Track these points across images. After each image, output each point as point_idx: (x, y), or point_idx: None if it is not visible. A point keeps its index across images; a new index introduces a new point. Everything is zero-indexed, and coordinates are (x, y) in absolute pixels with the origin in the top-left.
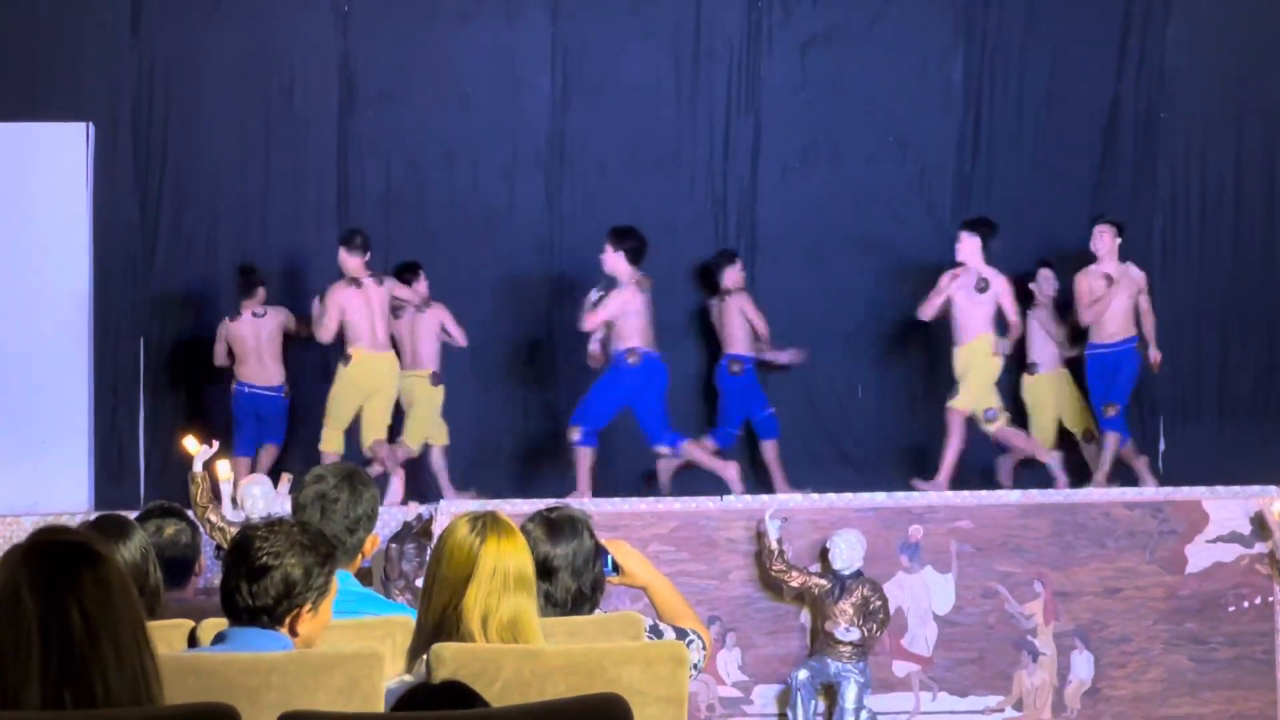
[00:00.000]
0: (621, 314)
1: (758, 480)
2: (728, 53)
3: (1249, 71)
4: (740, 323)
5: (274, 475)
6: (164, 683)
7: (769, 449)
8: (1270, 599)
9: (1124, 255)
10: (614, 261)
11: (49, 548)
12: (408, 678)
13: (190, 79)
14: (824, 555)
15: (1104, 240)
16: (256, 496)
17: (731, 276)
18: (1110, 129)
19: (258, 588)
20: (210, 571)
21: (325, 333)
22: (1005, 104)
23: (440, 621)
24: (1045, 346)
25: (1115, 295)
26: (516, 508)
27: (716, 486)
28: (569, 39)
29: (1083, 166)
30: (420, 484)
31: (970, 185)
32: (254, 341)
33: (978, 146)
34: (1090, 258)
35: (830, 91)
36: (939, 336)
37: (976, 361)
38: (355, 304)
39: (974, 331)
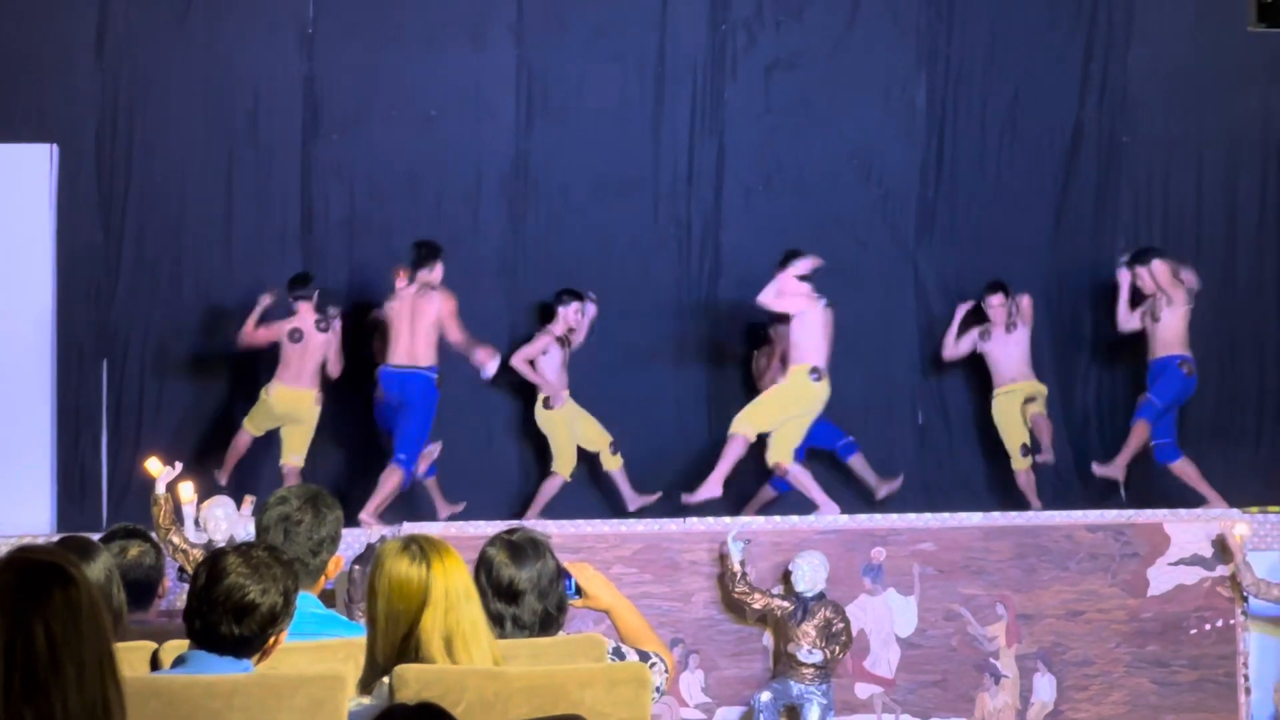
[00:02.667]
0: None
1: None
2: (692, 77)
3: (1210, 96)
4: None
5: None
6: (126, 708)
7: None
8: (1232, 622)
9: (1088, 280)
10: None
11: (22, 565)
12: (367, 700)
13: (154, 102)
14: (786, 577)
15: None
16: (219, 518)
17: None
18: (1073, 154)
19: (244, 624)
20: (173, 593)
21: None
22: (968, 129)
23: (400, 654)
24: (1007, 368)
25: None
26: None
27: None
28: (533, 63)
29: (1045, 191)
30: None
31: (933, 210)
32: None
33: (941, 171)
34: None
35: (794, 116)
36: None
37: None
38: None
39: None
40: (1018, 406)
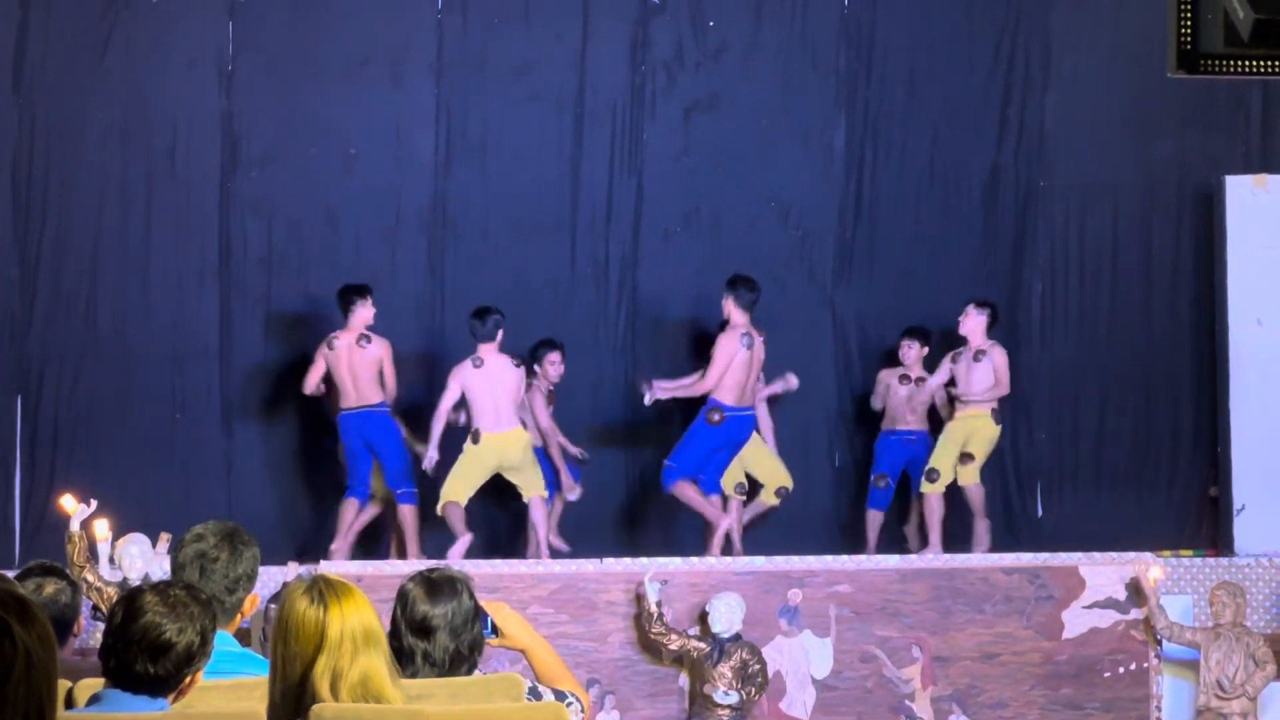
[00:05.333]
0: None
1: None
2: (611, 117)
3: (1126, 140)
4: None
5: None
6: None
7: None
8: (1145, 665)
9: (1006, 322)
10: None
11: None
12: None
13: (72, 137)
14: (703, 618)
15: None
16: (134, 556)
17: None
18: (990, 196)
19: (159, 663)
20: (87, 631)
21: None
22: (887, 171)
23: (296, 698)
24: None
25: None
26: (392, 568)
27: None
28: (453, 101)
29: (964, 233)
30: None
31: (852, 252)
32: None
33: (859, 213)
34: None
35: (713, 157)
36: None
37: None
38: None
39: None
40: (965, 434)
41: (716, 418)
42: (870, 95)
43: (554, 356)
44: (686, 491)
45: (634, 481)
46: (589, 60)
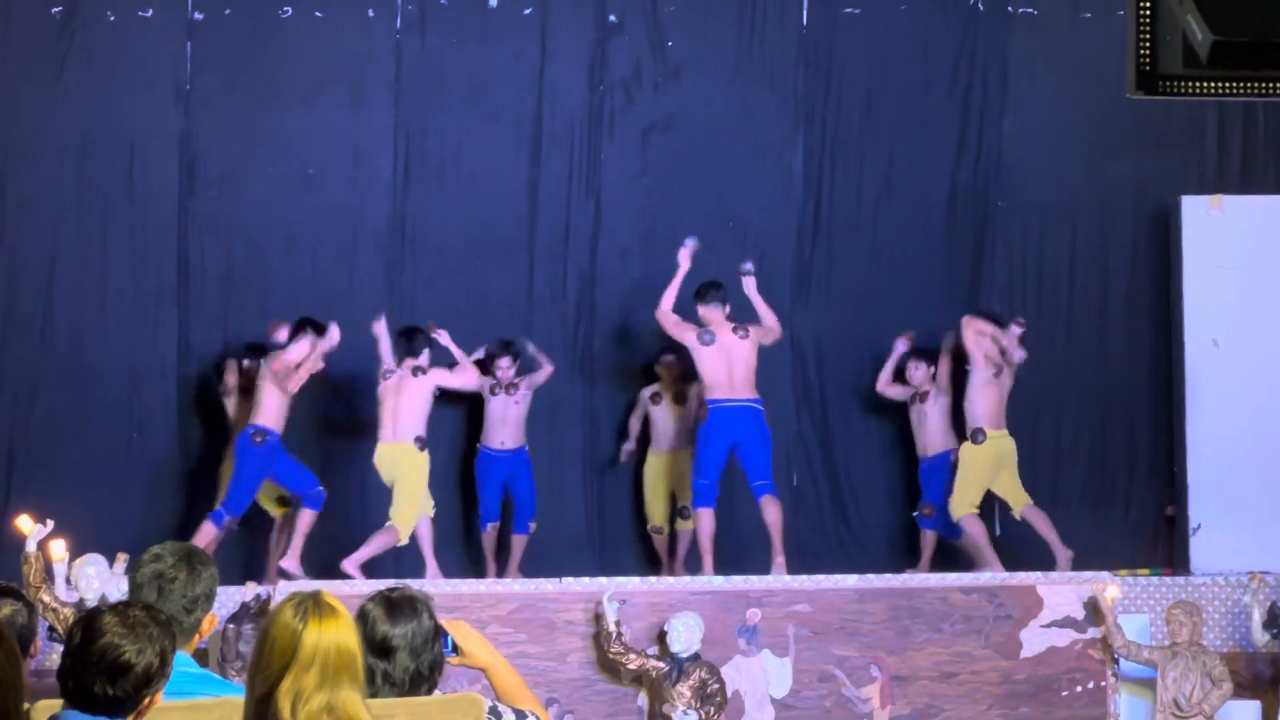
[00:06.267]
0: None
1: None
2: (569, 137)
3: (1083, 161)
4: None
5: None
6: None
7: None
8: (1103, 683)
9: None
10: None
11: None
12: None
13: (29, 157)
14: (662, 638)
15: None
16: (91, 576)
17: None
18: (949, 217)
19: (118, 684)
20: (44, 652)
21: None
22: (845, 192)
23: (261, 714)
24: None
25: None
26: (356, 588)
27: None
28: (411, 122)
29: (922, 254)
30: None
31: (810, 272)
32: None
33: (817, 233)
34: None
35: (671, 177)
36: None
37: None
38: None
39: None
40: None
41: (702, 414)
42: (828, 115)
43: (504, 361)
44: (702, 523)
45: (592, 501)
46: (547, 80)
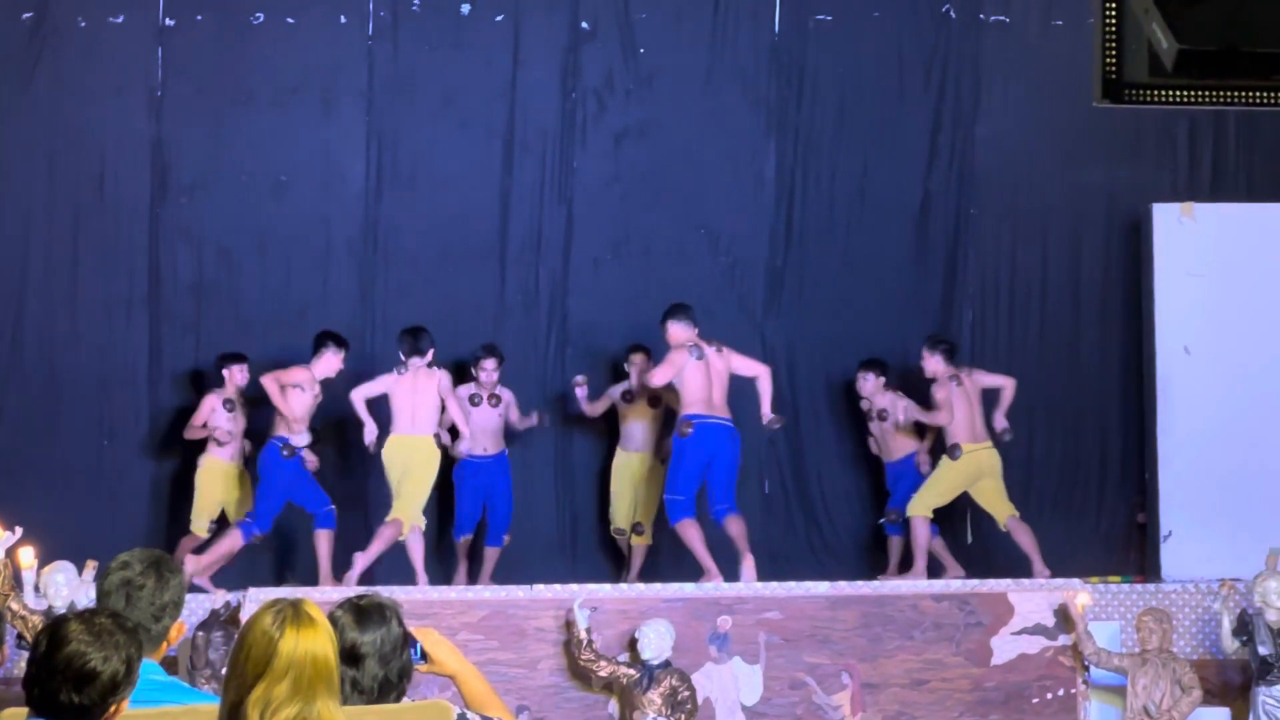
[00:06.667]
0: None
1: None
2: (541, 145)
3: (1055, 169)
4: None
5: None
6: None
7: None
8: (1073, 690)
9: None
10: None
11: None
12: None
13: None
14: (633, 645)
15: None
16: (60, 584)
17: None
18: (921, 225)
19: (84, 692)
20: (11, 660)
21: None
22: (817, 199)
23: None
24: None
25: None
26: (326, 595)
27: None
28: (383, 129)
29: (894, 261)
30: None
31: (782, 279)
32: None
33: (790, 241)
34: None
35: (642, 184)
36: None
37: None
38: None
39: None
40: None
41: (686, 429)
42: (800, 123)
43: (488, 364)
44: (690, 533)
45: (565, 509)
46: (519, 87)
